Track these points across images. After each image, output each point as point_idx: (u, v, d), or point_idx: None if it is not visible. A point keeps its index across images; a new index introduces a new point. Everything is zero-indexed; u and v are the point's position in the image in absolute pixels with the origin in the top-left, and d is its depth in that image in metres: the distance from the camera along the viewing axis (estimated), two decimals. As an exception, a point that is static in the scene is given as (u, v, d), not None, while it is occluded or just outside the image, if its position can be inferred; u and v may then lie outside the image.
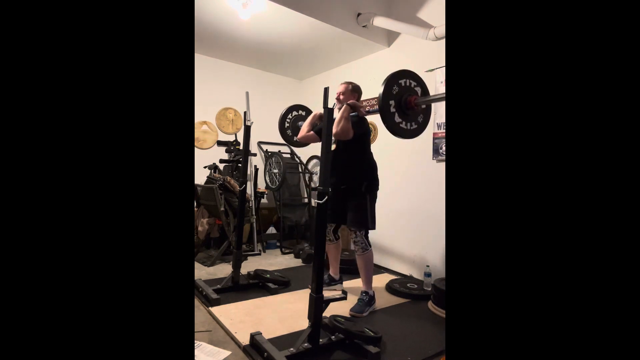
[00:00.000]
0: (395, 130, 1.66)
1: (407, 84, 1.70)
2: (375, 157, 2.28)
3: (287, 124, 2.55)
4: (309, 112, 2.62)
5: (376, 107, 3.40)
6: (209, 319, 2.00)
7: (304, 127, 2.30)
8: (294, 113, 2.58)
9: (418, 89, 1.74)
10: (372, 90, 3.47)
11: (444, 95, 1.59)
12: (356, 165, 2.19)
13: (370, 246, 2.20)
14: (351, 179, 2.18)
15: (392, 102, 1.63)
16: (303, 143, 2.49)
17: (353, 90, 2.25)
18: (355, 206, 2.15)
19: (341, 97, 2.22)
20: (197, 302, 2.21)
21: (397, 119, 1.66)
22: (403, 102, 1.66)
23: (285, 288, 2.51)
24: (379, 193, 2.24)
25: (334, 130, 1.97)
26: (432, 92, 2.81)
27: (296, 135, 2.49)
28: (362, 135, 2.13)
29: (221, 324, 1.90)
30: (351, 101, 2.05)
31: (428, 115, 1.82)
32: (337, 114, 2.13)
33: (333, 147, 2.17)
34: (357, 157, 2.19)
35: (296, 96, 4.53)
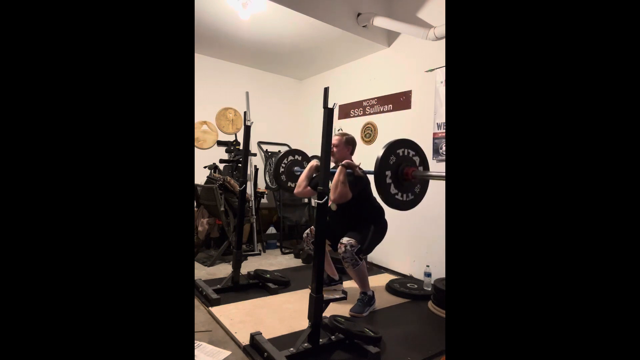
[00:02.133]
0: (391, 201, 1.61)
1: (405, 153, 1.64)
2: (377, 201, 2.25)
3: (282, 169, 2.48)
4: (305, 157, 2.57)
5: (376, 107, 3.41)
6: (209, 319, 2.00)
7: (301, 182, 2.24)
8: (290, 158, 2.51)
9: (416, 159, 1.69)
10: (372, 90, 3.48)
11: (443, 175, 1.52)
12: (361, 216, 2.18)
13: (361, 260, 2.11)
14: (357, 227, 2.16)
15: (388, 173, 1.58)
16: (301, 197, 2.44)
17: (347, 143, 2.21)
18: (357, 229, 2.13)
19: (334, 149, 2.16)
20: (197, 302, 2.21)
21: (393, 190, 1.60)
22: (400, 173, 1.61)
23: (285, 288, 2.51)
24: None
25: (332, 197, 1.93)
26: (431, 93, 2.82)
27: (291, 182, 2.47)
28: (360, 192, 2.09)
29: (221, 324, 1.90)
30: (345, 161, 2.01)
31: (425, 186, 1.77)
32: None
33: (334, 207, 2.15)
34: (360, 210, 2.17)
35: (296, 96, 4.53)
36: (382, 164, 1.55)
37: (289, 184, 2.49)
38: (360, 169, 1.99)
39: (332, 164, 2.14)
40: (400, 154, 1.62)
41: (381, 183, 1.56)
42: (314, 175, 2.24)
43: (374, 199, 2.22)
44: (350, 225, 2.17)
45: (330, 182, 1.95)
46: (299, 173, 2.41)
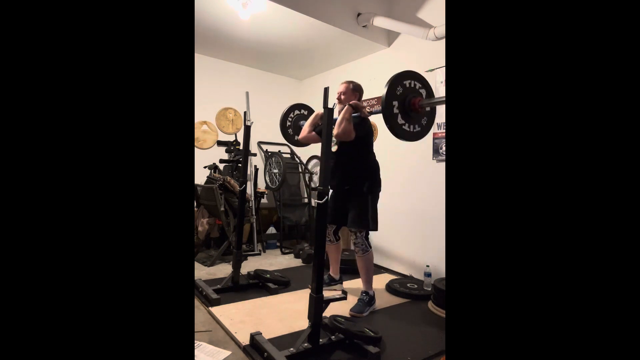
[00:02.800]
0: (398, 132, 1.63)
1: (412, 85, 1.66)
2: (376, 156, 2.28)
3: (288, 123, 2.53)
4: (310, 111, 2.60)
5: (377, 107, 3.41)
6: (209, 319, 2.00)
7: (305, 128, 2.28)
8: (296, 112, 2.56)
9: (423, 91, 1.70)
10: (372, 90, 3.47)
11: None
12: (358, 166, 2.18)
13: (370, 247, 2.18)
14: (353, 180, 2.17)
15: (395, 103, 1.60)
16: (304, 143, 2.47)
17: (354, 90, 2.23)
18: (356, 206, 2.14)
19: (342, 97, 2.19)
20: (197, 302, 2.21)
21: (400, 120, 1.63)
22: (407, 103, 1.62)
23: (285, 288, 2.51)
24: (380, 193, 2.24)
25: (335, 131, 1.95)
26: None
27: (297, 135, 2.48)
28: (364, 136, 2.11)
29: (221, 324, 1.90)
30: (353, 101, 2.02)
31: (432, 118, 1.79)
32: (336, 114, 2.12)
33: (335, 148, 2.16)
34: (359, 158, 2.18)
35: (296, 96, 4.52)
36: (389, 94, 1.56)
37: (296, 137, 2.52)
38: (367, 110, 1.99)
39: (338, 109, 2.17)
40: (407, 85, 1.63)
41: (389, 113, 1.57)
42: (319, 123, 2.25)
43: (374, 153, 2.25)
44: (348, 178, 2.17)
45: (330, 179, 1.95)
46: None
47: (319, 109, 2.10)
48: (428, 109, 1.79)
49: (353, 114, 1.99)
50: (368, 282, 2.19)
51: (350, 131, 1.97)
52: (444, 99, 1.61)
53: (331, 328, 1.68)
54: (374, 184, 2.19)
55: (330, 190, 2.11)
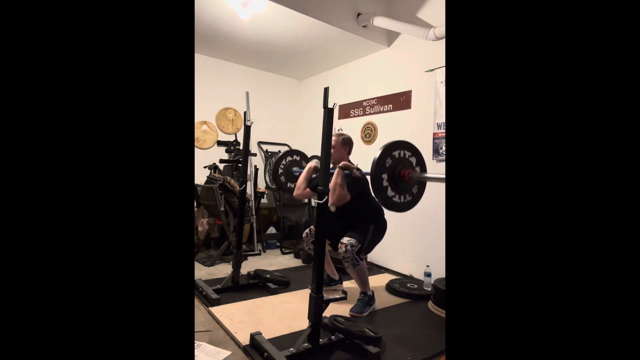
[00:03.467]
0: (388, 204, 1.60)
1: (402, 155, 1.64)
2: (376, 200, 2.25)
3: (280, 170, 2.48)
4: (303, 157, 2.57)
5: (376, 107, 3.41)
6: (209, 319, 2.00)
7: (300, 184, 2.24)
8: (288, 158, 2.51)
9: (413, 159, 1.68)
10: (372, 90, 3.48)
11: (440, 176, 1.51)
12: (360, 216, 2.18)
13: (361, 260, 2.11)
14: (356, 226, 2.16)
15: (384, 176, 1.58)
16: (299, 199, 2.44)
17: (343, 143, 2.21)
18: (356, 229, 2.13)
19: (331, 150, 2.13)
20: (197, 302, 2.21)
21: (390, 192, 1.60)
22: (396, 175, 1.60)
23: (285, 288, 2.51)
24: None
25: (330, 200, 1.93)
26: (431, 93, 2.82)
27: (290, 182, 2.47)
28: (359, 192, 2.09)
29: (221, 324, 1.90)
30: (342, 163, 2.00)
31: (423, 185, 1.77)
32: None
33: (333, 209, 2.14)
34: (359, 211, 2.17)
35: (296, 96, 4.53)
36: (377, 167, 1.55)
37: (288, 184, 2.49)
38: (358, 169, 1.99)
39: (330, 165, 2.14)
40: (397, 155, 1.62)
41: (378, 186, 1.56)
42: (313, 176, 2.24)
43: (373, 198, 2.20)
44: (350, 225, 2.17)
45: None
46: (297, 173, 2.41)
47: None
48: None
49: (345, 171, 1.97)
50: (364, 285, 2.17)
51: (345, 195, 1.96)
52: (435, 175, 1.59)
53: (331, 328, 1.68)
54: (378, 227, 2.19)
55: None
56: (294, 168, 2.50)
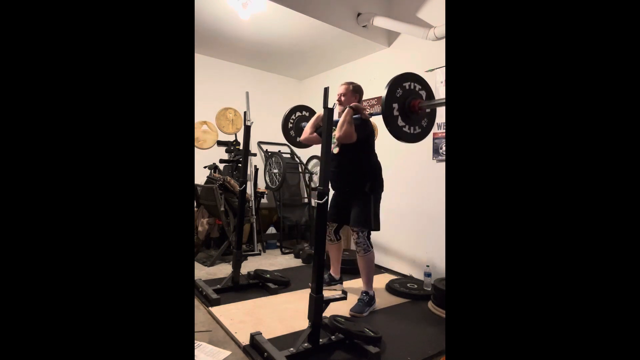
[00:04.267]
0: (399, 134, 1.63)
1: (412, 87, 1.66)
2: (377, 157, 2.28)
3: (290, 125, 2.54)
4: (312, 112, 2.61)
5: (377, 107, 3.41)
6: (209, 319, 2.00)
7: (307, 129, 2.28)
8: (297, 114, 2.57)
9: (423, 93, 1.70)
10: (372, 90, 3.47)
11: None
12: (360, 168, 2.17)
13: (372, 247, 2.18)
14: (355, 181, 2.16)
15: (395, 106, 1.60)
16: (306, 144, 2.47)
17: (354, 91, 2.22)
18: (358, 206, 2.14)
19: (342, 98, 2.19)
20: (197, 302, 2.21)
21: (401, 122, 1.63)
22: (407, 105, 1.62)
23: (285, 288, 2.51)
24: (382, 194, 2.24)
25: (337, 134, 1.95)
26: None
27: (299, 137, 2.48)
28: (365, 137, 2.11)
29: (221, 324, 1.90)
30: (353, 104, 2.02)
31: (432, 119, 1.79)
32: (336, 116, 2.12)
33: (336, 150, 2.16)
34: (361, 160, 2.17)
35: (296, 96, 4.53)
36: (389, 96, 1.56)
37: (298, 139, 2.53)
38: (367, 112, 1.99)
39: (337, 112, 2.16)
40: (407, 87, 1.63)
41: (389, 116, 1.57)
42: (321, 124, 2.25)
43: (375, 154, 2.24)
44: (350, 180, 2.16)
45: (329, 180, 1.95)
46: None
47: (319, 110, 2.10)
48: (428, 110, 1.79)
49: (354, 116, 1.98)
50: (369, 282, 2.19)
51: (352, 133, 1.97)
52: (444, 100, 1.61)
53: (331, 328, 1.68)
54: (376, 185, 2.19)
55: (332, 191, 2.12)
56: (303, 123, 2.52)
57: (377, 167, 2.23)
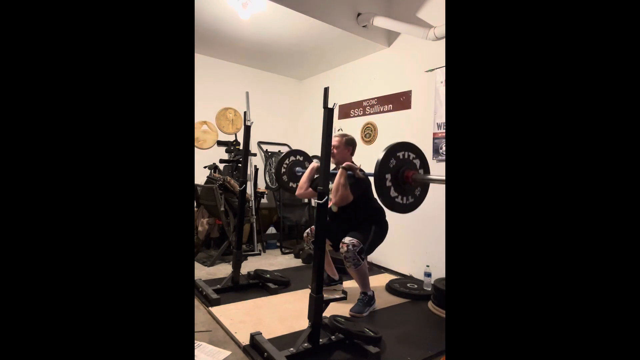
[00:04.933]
0: (391, 205, 1.60)
1: (406, 156, 1.64)
2: (378, 202, 2.24)
3: (283, 170, 2.48)
4: (306, 157, 2.57)
5: (377, 107, 3.41)
6: (209, 319, 2.00)
7: (302, 184, 2.25)
8: (291, 158, 2.51)
9: (417, 161, 1.68)
10: (372, 90, 3.48)
11: (443, 178, 1.51)
12: (362, 217, 2.18)
13: (362, 260, 2.09)
14: (358, 225, 2.16)
15: (388, 176, 1.58)
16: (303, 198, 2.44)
17: (347, 144, 2.21)
18: (357, 230, 2.14)
19: (334, 150, 2.16)
20: (197, 302, 2.21)
21: (393, 193, 1.60)
22: (400, 176, 1.61)
23: (285, 288, 2.51)
24: None
25: (333, 199, 1.95)
26: (431, 93, 2.82)
27: (292, 182, 2.47)
28: (361, 194, 2.09)
29: (221, 324, 1.90)
30: (346, 164, 2.01)
31: (426, 187, 1.77)
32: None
33: (335, 209, 2.15)
34: (361, 211, 2.17)
35: (296, 96, 4.53)
36: (381, 167, 1.55)
37: (291, 184, 2.49)
38: (361, 170, 1.99)
39: (333, 166, 2.14)
40: (401, 157, 1.62)
41: (381, 186, 1.56)
42: (316, 176, 2.24)
43: (375, 200, 2.21)
44: (352, 226, 2.17)
45: (330, 184, 1.95)
46: (300, 173, 2.41)
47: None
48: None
49: (348, 172, 1.97)
50: (364, 285, 2.17)
51: (348, 195, 1.97)
52: (437, 177, 1.59)
53: (331, 328, 1.68)
54: (378, 227, 2.19)
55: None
56: (297, 168, 2.50)
57: (379, 212, 2.22)
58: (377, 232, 2.17)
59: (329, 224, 2.05)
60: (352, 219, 2.19)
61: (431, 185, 2.81)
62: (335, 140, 2.19)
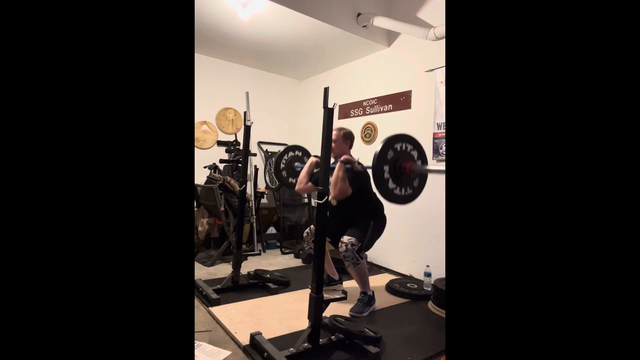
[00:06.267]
0: (389, 196, 1.60)
1: (403, 148, 1.64)
2: (377, 195, 2.25)
3: (282, 165, 2.47)
4: (305, 152, 2.56)
5: (376, 107, 3.41)
6: (209, 319, 2.00)
7: (302, 179, 2.24)
8: (290, 154, 2.50)
9: (415, 153, 1.68)
10: (372, 90, 3.48)
11: (440, 169, 1.51)
12: (361, 211, 2.18)
13: (362, 259, 2.11)
14: (356, 221, 2.16)
15: (386, 168, 1.57)
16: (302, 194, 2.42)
17: (345, 137, 2.21)
18: (355, 227, 2.14)
19: (333, 144, 2.13)
20: (197, 302, 2.21)
21: (391, 184, 1.60)
22: (398, 167, 1.60)
23: (285, 288, 2.51)
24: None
25: (332, 193, 1.94)
26: (431, 93, 2.82)
27: (291, 177, 2.46)
28: (360, 187, 2.09)
29: (221, 324, 1.90)
30: (344, 157, 2.01)
31: (424, 178, 1.77)
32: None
33: (334, 202, 2.13)
34: (360, 205, 2.17)
35: (296, 96, 4.53)
36: (379, 158, 1.55)
37: (290, 179, 2.49)
38: (359, 164, 1.99)
39: (332, 160, 2.14)
40: (398, 148, 1.62)
41: (379, 178, 1.56)
42: (315, 170, 2.24)
43: (374, 193, 2.21)
44: (350, 221, 2.17)
45: (330, 180, 1.95)
46: (299, 169, 2.41)
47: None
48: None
49: (347, 165, 1.98)
50: (364, 284, 2.17)
51: (347, 189, 1.96)
52: (436, 167, 1.59)
53: (331, 328, 1.68)
54: (377, 222, 2.19)
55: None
56: (296, 163, 2.50)
57: (377, 207, 2.22)
58: (375, 226, 2.17)
59: (328, 220, 2.06)
60: (351, 212, 2.18)
61: (431, 185, 2.81)
62: (333, 134, 2.19)
